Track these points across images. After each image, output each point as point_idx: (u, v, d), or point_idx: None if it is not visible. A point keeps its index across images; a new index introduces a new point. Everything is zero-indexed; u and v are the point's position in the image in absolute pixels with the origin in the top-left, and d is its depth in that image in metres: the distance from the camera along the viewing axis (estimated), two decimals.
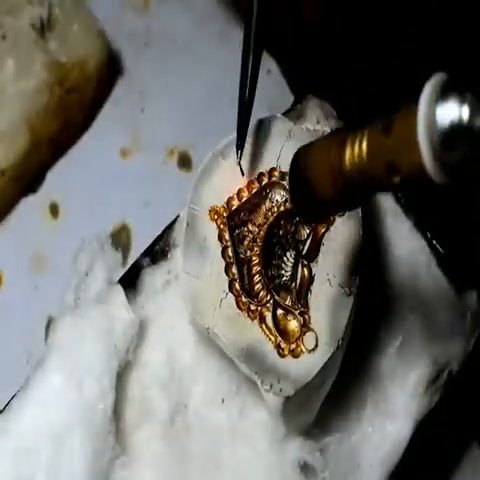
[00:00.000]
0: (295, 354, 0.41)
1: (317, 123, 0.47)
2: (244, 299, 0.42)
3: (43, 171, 0.59)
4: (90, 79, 0.58)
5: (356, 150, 0.32)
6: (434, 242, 0.48)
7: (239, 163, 0.44)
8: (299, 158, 0.36)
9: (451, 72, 0.29)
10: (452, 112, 0.28)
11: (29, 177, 0.58)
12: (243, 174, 0.44)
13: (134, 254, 0.55)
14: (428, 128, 0.28)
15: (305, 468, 0.44)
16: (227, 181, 0.44)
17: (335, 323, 0.41)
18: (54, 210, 0.59)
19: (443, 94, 0.28)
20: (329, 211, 0.38)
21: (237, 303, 0.42)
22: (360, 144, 0.31)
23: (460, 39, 0.51)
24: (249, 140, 0.44)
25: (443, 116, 0.28)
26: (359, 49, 0.56)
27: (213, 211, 0.43)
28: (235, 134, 0.45)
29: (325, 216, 0.42)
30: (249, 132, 0.44)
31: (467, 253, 0.51)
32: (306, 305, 0.42)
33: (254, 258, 0.43)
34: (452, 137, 0.28)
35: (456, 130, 0.28)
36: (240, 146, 0.43)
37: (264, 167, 0.44)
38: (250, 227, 0.44)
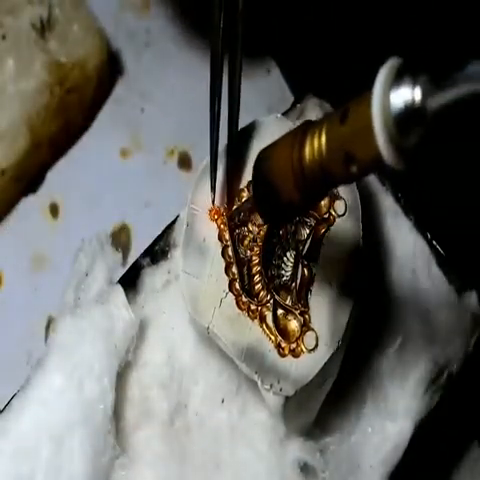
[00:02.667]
0: (295, 354, 0.41)
1: None
2: (244, 299, 0.42)
3: (43, 171, 0.59)
4: (90, 79, 0.58)
5: (315, 144, 0.31)
6: (434, 242, 0.48)
7: (213, 190, 0.43)
8: (260, 159, 0.36)
9: (412, 56, 0.29)
10: (405, 94, 0.28)
11: (29, 177, 0.58)
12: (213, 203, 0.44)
13: (134, 254, 0.55)
14: (382, 112, 0.28)
15: (305, 468, 0.44)
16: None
17: (335, 323, 0.41)
18: (54, 210, 0.59)
19: (397, 78, 0.28)
20: (293, 213, 0.38)
21: (237, 303, 0.42)
22: (319, 138, 0.31)
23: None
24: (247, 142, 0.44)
25: (397, 99, 0.28)
26: (359, 49, 0.56)
27: (213, 211, 0.43)
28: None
29: (289, 218, 0.42)
30: (249, 132, 0.45)
31: (467, 253, 0.51)
32: (306, 305, 0.42)
33: (254, 258, 0.43)
34: (406, 120, 0.28)
35: (410, 112, 0.27)
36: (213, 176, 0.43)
37: None
38: (250, 227, 0.44)
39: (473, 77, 0.27)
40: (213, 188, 0.43)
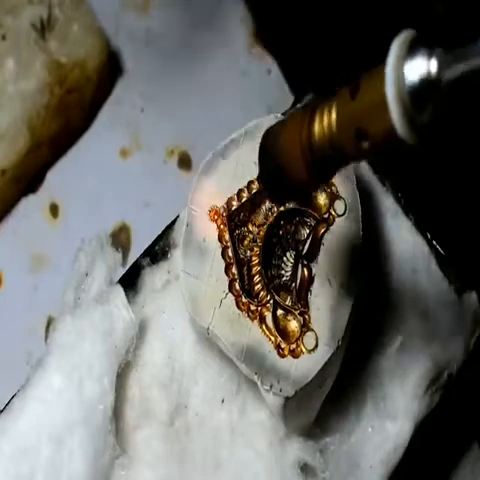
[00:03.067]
0: (295, 354, 0.41)
1: None
2: (244, 299, 0.42)
3: (43, 171, 0.59)
4: (90, 79, 0.58)
5: (325, 122, 0.31)
6: (434, 242, 0.48)
7: None
8: (268, 140, 0.35)
9: (420, 30, 0.28)
10: (420, 67, 0.27)
11: (29, 177, 0.58)
12: None
13: (134, 254, 0.55)
14: (396, 85, 0.27)
15: (305, 468, 0.44)
16: (227, 181, 0.44)
17: (335, 323, 0.41)
18: (54, 210, 0.59)
19: (411, 50, 0.27)
20: (302, 191, 0.37)
21: (237, 303, 0.42)
22: (329, 115, 0.30)
23: None
24: (247, 142, 0.44)
25: (411, 72, 0.27)
26: (359, 49, 0.56)
27: (213, 211, 0.43)
28: (234, 135, 0.45)
29: (297, 196, 0.41)
30: (248, 132, 0.44)
31: (467, 253, 0.51)
32: (306, 305, 0.42)
33: (254, 258, 0.43)
34: (421, 92, 0.27)
35: (425, 84, 0.27)
36: None
37: None
38: (250, 227, 0.44)
39: None
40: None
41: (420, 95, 0.27)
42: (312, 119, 0.31)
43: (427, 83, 0.27)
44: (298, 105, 0.49)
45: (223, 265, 0.42)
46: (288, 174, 0.33)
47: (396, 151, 0.29)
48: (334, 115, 0.30)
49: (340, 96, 0.30)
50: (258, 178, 0.42)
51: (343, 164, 0.33)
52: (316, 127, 0.31)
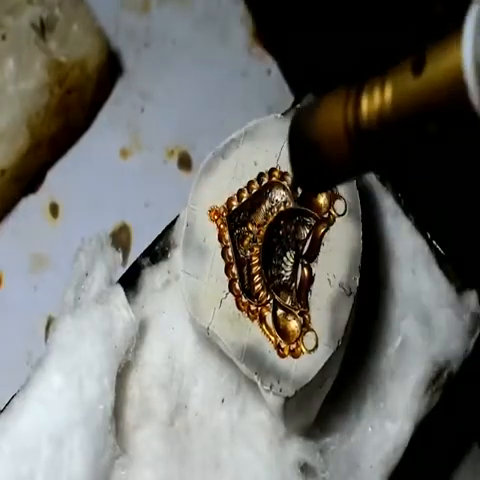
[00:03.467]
0: (295, 354, 0.41)
1: None
2: (244, 299, 0.42)
3: (43, 171, 0.59)
4: (90, 79, 0.58)
5: (376, 102, 0.27)
6: (434, 242, 0.48)
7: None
8: (302, 121, 0.31)
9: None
10: None
11: (29, 177, 0.58)
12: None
13: (134, 254, 0.55)
14: (476, 56, 0.25)
15: (305, 468, 0.44)
16: (227, 181, 0.44)
17: (335, 323, 0.41)
18: (54, 210, 0.59)
19: None
20: (341, 178, 0.33)
21: (237, 303, 0.42)
22: (381, 92, 0.27)
23: None
24: (247, 142, 0.44)
25: None
26: (359, 49, 0.56)
27: (213, 211, 0.43)
28: (234, 135, 0.45)
29: (335, 183, 0.38)
30: (248, 132, 0.45)
31: (467, 253, 0.51)
32: (306, 305, 0.42)
33: (254, 258, 0.43)
34: None
35: None
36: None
37: (264, 167, 0.44)
38: (250, 227, 0.44)
39: None
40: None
41: None
42: (359, 99, 0.28)
43: None
44: (298, 105, 0.49)
45: (223, 265, 0.42)
46: (326, 158, 0.30)
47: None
48: (389, 93, 0.27)
49: (397, 72, 0.27)
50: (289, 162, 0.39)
51: (400, 152, 0.29)
52: (364, 108, 0.28)
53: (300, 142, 0.31)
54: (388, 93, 0.27)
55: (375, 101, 0.27)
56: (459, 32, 0.25)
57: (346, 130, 0.28)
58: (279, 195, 0.44)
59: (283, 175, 0.44)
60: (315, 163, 0.30)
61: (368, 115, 0.28)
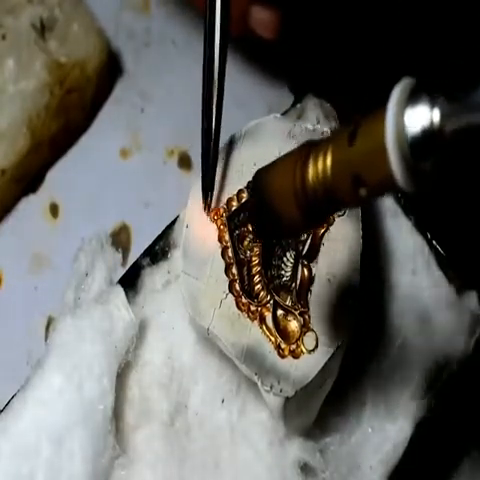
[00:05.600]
0: (295, 355, 0.41)
1: (317, 123, 0.47)
2: (244, 300, 0.42)
3: (43, 171, 0.59)
4: (90, 79, 0.58)
5: (320, 166, 0.30)
6: (434, 242, 0.48)
7: (206, 207, 0.43)
8: (260, 179, 0.34)
9: (425, 76, 0.27)
10: (422, 115, 0.26)
11: (29, 177, 0.58)
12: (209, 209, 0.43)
13: (134, 254, 0.55)
14: (397, 134, 0.26)
15: (305, 468, 0.44)
16: (227, 181, 0.44)
17: (335, 323, 0.41)
18: (54, 210, 0.59)
19: (412, 98, 0.27)
20: (292, 233, 0.36)
21: (237, 304, 0.42)
22: (324, 158, 0.30)
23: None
24: (247, 142, 0.44)
25: (413, 121, 0.26)
26: (359, 49, 0.56)
27: (213, 211, 0.43)
28: (234, 134, 0.45)
29: (288, 237, 0.41)
30: (248, 132, 0.45)
31: (467, 253, 0.51)
32: (306, 305, 0.42)
33: (254, 259, 0.43)
34: (422, 142, 0.26)
35: (427, 134, 0.26)
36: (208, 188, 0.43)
37: None
38: (250, 227, 0.44)
39: None
40: (205, 192, 0.43)
41: (422, 145, 0.26)
42: (306, 162, 0.31)
43: (429, 133, 0.26)
44: (298, 105, 0.49)
45: (223, 265, 0.42)
46: (280, 215, 0.33)
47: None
48: (329, 160, 0.29)
49: (336, 140, 0.29)
50: (248, 208, 0.42)
51: (338, 209, 0.32)
52: (310, 171, 0.30)
53: (258, 199, 0.34)
54: (328, 160, 0.29)
55: (319, 167, 0.30)
56: (383, 110, 0.27)
57: (294, 191, 0.31)
58: None
59: None
60: (271, 219, 0.33)
61: (312, 179, 0.30)
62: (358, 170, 0.28)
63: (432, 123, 0.26)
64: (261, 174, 0.34)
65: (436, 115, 0.26)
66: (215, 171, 0.43)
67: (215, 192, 0.44)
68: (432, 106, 0.26)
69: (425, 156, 0.26)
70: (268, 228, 0.35)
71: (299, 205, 0.31)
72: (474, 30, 0.52)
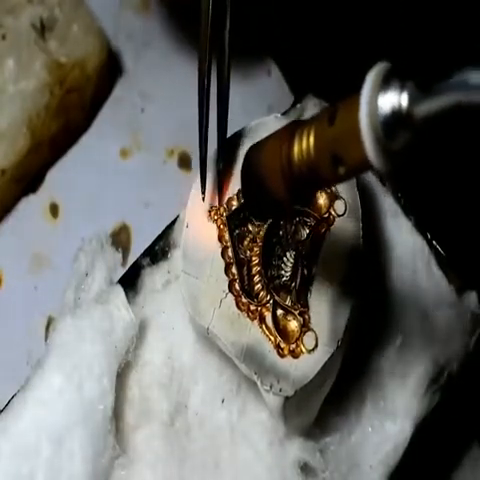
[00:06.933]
0: (295, 354, 0.41)
1: None
2: (244, 299, 0.42)
3: (43, 171, 0.59)
4: (90, 79, 0.58)
5: (304, 144, 0.32)
6: (434, 242, 0.48)
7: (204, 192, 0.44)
8: (250, 155, 0.36)
9: (401, 60, 0.29)
10: (392, 99, 0.28)
11: (29, 177, 0.58)
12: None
13: (134, 254, 0.55)
14: (370, 116, 0.28)
15: (305, 468, 0.44)
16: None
17: (335, 323, 0.41)
18: (54, 210, 0.59)
19: (385, 82, 0.28)
20: (280, 210, 0.38)
21: (237, 303, 0.42)
22: (308, 138, 0.32)
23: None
24: (247, 142, 0.44)
25: (384, 104, 0.28)
26: (358, 49, 0.56)
27: (213, 212, 0.43)
28: (234, 134, 0.45)
29: (276, 215, 0.42)
30: (249, 132, 0.45)
31: (467, 253, 0.51)
32: (306, 305, 0.42)
33: (254, 258, 0.43)
34: (394, 125, 0.28)
35: (396, 117, 0.28)
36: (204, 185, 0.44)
37: None
38: (250, 227, 0.44)
39: (457, 87, 0.27)
40: (203, 190, 0.44)
41: (392, 126, 0.28)
42: (292, 140, 0.32)
43: (399, 116, 0.28)
44: (298, 105, 0.49)
45: (223, 265, 0.42)
46: (268, 191, 0.34)
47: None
48: (312, 139, 0.31)
49: (318, 120, 0.31)
50: (241, 192, 0.43)
51: (320, 186, 0.35)
52: (295, 148, 0.32)
53: (248, 175, 0.36)
54: (311, 139, 0.31)
55: (303, 145, 0.32)
56: (359, 94, 0.29)
57: (281, 169, 0.33)
58: None
59: None
60: (260, 195, 0.35)
61: (297, 157, 0.32)
62: (337, 149, 0.30)
63: (401, 106, 0.28)
64: (251, 152, 0.36)
65: (404, 99, 0.28)
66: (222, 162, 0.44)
67: (216, 192, 0.44)
68: (401, 90, 0.28)
69: (396, 137, 0.28)
70: (257, 205, 0.37)
71: (285, 182, 0.33)
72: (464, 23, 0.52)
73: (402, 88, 0.28)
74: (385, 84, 0.28)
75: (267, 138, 0.35)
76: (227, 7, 0.42)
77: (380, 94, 0.28)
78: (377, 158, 0.28)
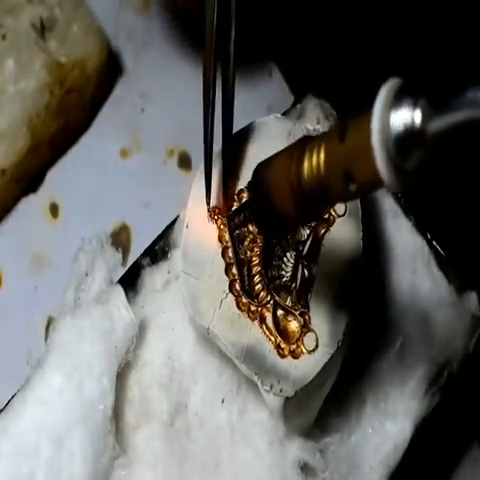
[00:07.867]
0: (295, 355, 0.41)
1: (317, 123, 0.47)
2: (244, 300, 0.42)
3: (43, 171, 0.59)
4: (90, 79, 0.58)
5: (314, 161, 0.31)
6: (434, 242, 0.48)
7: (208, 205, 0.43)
8: (259, 171, 0.36)
9: (413, 76, 0.29)
10: (405, 116, 0.28)
11: (29, 177, 0.58)
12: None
13: (134, 254, 0.55)
14: (382, 133, 0.28)
15: (305, 468, 0.44)
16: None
17: (335, 324, 0.41)
18: (54, 210, 0.59)
19: (397, 98, 0.28)
20: (289, 226, 0.38)
21: (237, 304, 0.42)
22: (318, 154, 0.31)
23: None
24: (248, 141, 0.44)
25: (397, 120, 0.28)
26: (358, 49, 0.56)
27: (213, 211, 0.43)
28: (234, 134, 0.45)
29: (285, 231, 0.42)
30: (249, 132, 0.45)
31: (467, 253, 0.51)
32: (306, 306, 0.42)
33: (254, 259, 0.43)
34: (406, 142, 0.28)
35: (410, 135, 0.27)
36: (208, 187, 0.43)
37: None
38: (250, 227, 0.44)
39: (470, 104, 0.27)
40: (208, 191, 0.43)
41: (405, 144, 0.28)
42: (302, 156, 0.32)
43: (411, 133, 0.28)
44: (298, 105, 0.49)
45: (223, 265, 0.42)
46: (276, 207, 0.34)
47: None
48: (322, 156, 0.31)
49: (328, 137, 0.31)
50: (248, 206, 0.43)
51: (330, 203, 0.34)
52: (305, 165, 0.32)
53: (257, 191, 0.36)
54: (322, 156, 0.31)
55: (313, 162, 0.31)
56: (370, 111, 0.28)
57: (291, 185, 0.32)
58: None
59: None
60: (268, 211, 0.35)
61: (307, 174, 0.32)
62: (348, 167, 0.29)
63: (414, 123, 0.27)
64: (260, 168, 0.36)
65: (417, 116, 0.27)
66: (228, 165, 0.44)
67: (216, 192, 0.44)
68: (414, 107, 0.28)
69: (409, 155, 0.28)
70: (265, 220, 0.37)
71: (295, 199, 0.33)
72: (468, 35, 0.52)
73: (415, 105, 0.27)
74: (397, 101, 0.28)
75: (276, 154, 0.35)
76: (232, 17, 0.41)
77: (392, 111, 0.28)
78: (389, 175, 0.28)
